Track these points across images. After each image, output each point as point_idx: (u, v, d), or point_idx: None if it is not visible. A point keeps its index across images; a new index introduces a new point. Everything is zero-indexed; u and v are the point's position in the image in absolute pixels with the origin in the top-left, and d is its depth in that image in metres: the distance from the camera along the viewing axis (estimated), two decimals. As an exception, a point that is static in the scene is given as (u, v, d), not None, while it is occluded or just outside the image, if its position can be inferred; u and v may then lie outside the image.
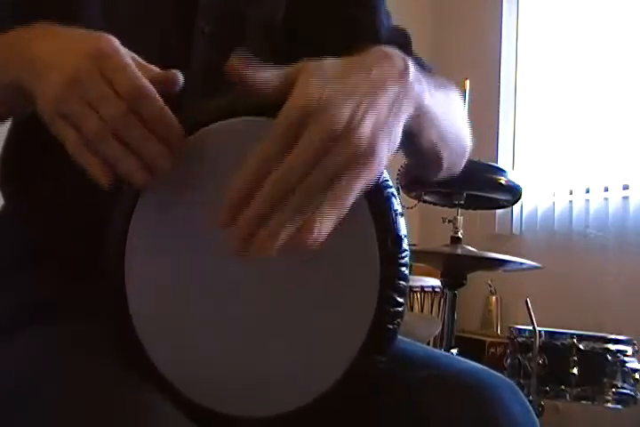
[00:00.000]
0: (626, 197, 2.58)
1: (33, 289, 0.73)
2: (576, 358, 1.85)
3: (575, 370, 1.84)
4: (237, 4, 0.80)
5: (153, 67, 0.59)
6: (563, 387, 1.85)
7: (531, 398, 1.81)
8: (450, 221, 2.00)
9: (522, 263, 1.95)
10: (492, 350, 2.54)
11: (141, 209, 0.59)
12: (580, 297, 2.62)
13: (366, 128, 0.53)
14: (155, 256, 0.59)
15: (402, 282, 0.57)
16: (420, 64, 0.72)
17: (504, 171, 2.03)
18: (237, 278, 0.58)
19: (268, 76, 0.56)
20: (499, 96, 3.16)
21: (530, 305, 1.83)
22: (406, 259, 0.57)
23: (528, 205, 2.98)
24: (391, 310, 0.56)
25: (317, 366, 0.57)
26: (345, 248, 0.57)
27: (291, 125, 0.52)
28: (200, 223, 0.58)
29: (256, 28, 0.81)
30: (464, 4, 3.53)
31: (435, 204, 2.11)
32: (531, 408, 0.68)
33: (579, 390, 1.85)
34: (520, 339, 1.96)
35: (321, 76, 0.54)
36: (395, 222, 0.57)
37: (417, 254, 1.87)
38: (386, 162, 0.55)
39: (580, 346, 1.86)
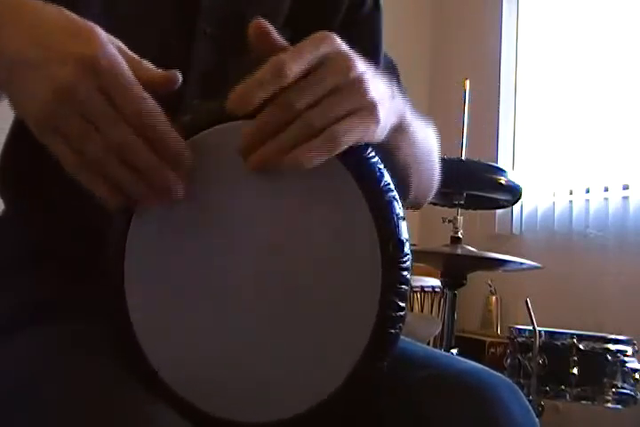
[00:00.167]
0: (626, 197, 2.58)
1: (33, 289, 0.73)
2: (576, 358, 1.85)
3: (575, 370, 1.84)
4: (239, 5, 0.80)
5: (145, 62, 0.55)
6: (563, 387, 1.85)
7: (531, 398, 1.80)
8: (450, 221, 2.00)
9: (522, 263, 1.95)
10: (492, 350, 2.54)
11: (142, 209, 0.59)
12: (580, 297, 2.62)
13: (370, 87, 0.56)
14: (155, 257, 0.59)
15: (403, 286, 0.56)
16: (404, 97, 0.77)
17: (504, 171, 2.03)
18: (239, 281, 0.58)
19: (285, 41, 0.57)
20: (499, 96, 3.16)
21: (530, 305, 1.83)
22: (408, 263, 0.57)
23: (528, 205, 2.98)
24: (393, 314, 0.56)
25: (319, 371, 0.57)
26: (346, 252, 0.57)
27: (307, 56, 0.53)
28: (201, 224, 0.58)
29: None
30: (464, 4, 3.53)
31: (435, 204, 2.11)
32: (530, 408, 0.68)
33: (579, 390, 1.85)
34: (520, 339, 1.96)
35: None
36: (397, 227, 0.56)
37: (417, 254, 1.86)
38: (381, 132, 0.57)
39: (580, 346, 1.86)
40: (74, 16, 0.55)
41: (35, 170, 0.77)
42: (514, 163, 3.13)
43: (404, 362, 0.68)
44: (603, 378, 1.84)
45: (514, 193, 2.03)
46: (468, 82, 2.10)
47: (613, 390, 1.84)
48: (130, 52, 0.55)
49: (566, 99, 2.89)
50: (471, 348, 2.45)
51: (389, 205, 0.56)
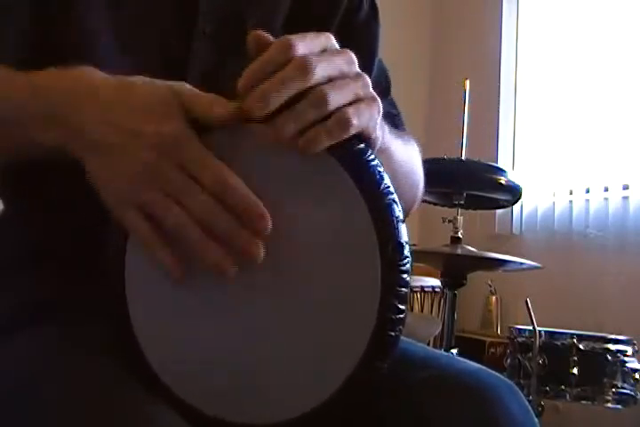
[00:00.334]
0: (626, 197, 2.58)
1: (33, 289, 0.73)
2: (576, 358, 1.85)
3: (575, 370, 1.84)
4: (238, 5, 0.80)
5: (210, 96, 0.57)
6: (563, 387, 1.85)
7: (531, 398, 1.80)
8: (450, 221, 2.00)
9: (522, 263, 1.95)
10: (492, 350, 2.54)
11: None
12: (580, 297, 2.62)
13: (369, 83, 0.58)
14: (155, 257, 0.59)
15: (403, 289, 0.56)
16: (393, 110, 0.83)
17: (504, 171, 2.03)
18: (239, 282, 0.58)
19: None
20: (499, 96, 3.16)
21: (530, 305, 1.83)
22: (407, 266, 0.57)
23: (528, 205, 2.99)
24: (393, 317, 0.56)
25: (318, 373, 0.57)
26: (346, 255, 0.56)
27: (312, 40, 0.55)
28: None
29: (256, 28, 0.81)
30: (464, 4, 3.53)
31: (435, 204, 2.11)
32: (530, 408, 0.68)
33: (579, 390, 1.85)
34: (520, 339, 1.96)
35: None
36: (396, 229, 0.56)
37: (417, 254, 1.87)
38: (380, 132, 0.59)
39: (580, 346, 1.86)
40: (137, 86, 0.57)
41: (35, 170, 0.78)
42: (514, 163, 3.13)
43: (405, 363, 0.68)
44: (603, 378, 1.84)
45: (514, 193, 2.03)
46: (467, 82, 2.10)
47: (613, 390, 1.84)
48: (189, 89, 0.58)
49: (566, 99, 2.89)
50: (471, 348, 2.45)
51: (389, 207, 0.56)
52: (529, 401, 0.69)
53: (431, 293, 2.72)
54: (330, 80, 0.55)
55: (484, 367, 0.71)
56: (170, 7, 0.78)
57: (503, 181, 1.97)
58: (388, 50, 0.89)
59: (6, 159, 0.70)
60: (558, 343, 1.88)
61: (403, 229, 0.57)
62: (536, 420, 0.67)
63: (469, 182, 1.94)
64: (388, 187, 0.57)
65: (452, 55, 3.52)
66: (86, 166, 0.57)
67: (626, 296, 2.47)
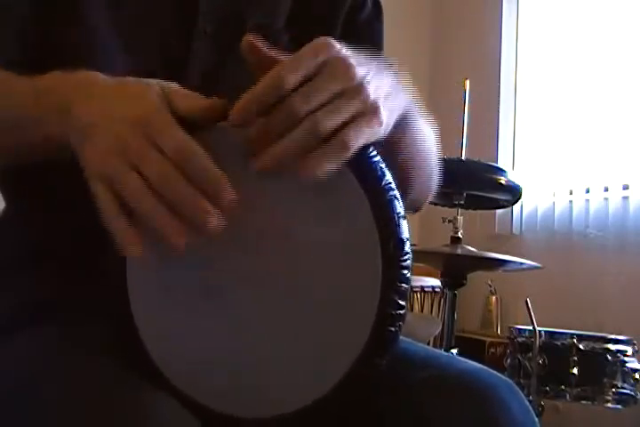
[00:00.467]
0: (626, 197, 2.58)
1: (33, 289, 0.73)
2: (576, 358, 1.85)
3: (575, 370, 1.84)
4: (238, 5, 0.80)
5: (197, 95, 0.57)
6: (563, 387, 1.85)
7: (531, 398, 1.81)
8: (450, 221, 2.00)
9: (522, 263, 1.95)
10: (492, 350, 2.54)
11: None
12: (580, 297, 2.62)
13: (372, 90, 0.56)
14: (157, 255, 0.59)
15: (403, 285, 0.57)
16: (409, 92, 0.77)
17: (504, 171, 2.03)
18: (239, 279, 0.58)
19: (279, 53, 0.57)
20: (499, 96, 3.16)
21: (530, 305, 1.83)
22: (408, 262, 0.57)
23: (528, 205, 2.99)
24: (393, 312, 0.56)
25: (318, 368, 0.57)
26: (347, 251, 0.57)
27: (305, 64, 0.54)
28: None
29: (257, 28, 0.81)
30: (464, 4, 3.53)
31: (435, 204, 2.11)
32: (530, 408, 0.68)
33: (579, 390, 1.85)
34: (520, 339, 1.96)
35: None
36: (397, 225, 0.56)
37: (417, 254, 1.86)
38: (381, 129, 0.57)
39: (580, 346, 1.86)
40: (131, 83, 0.60)
41: (35, 170, 0.78)
42: (514, 163, 3.13)
43: (405, 362, 0.68)
44: (603, 378, 1.84)
45: (514, 193, 2.03)
46: (467, 82, 2.10)
47: (613, 390, 1.84)
48: (178, 88, 0.59)
49: (566, 99, 2.89)
50: (471, 348, 2.45)
51: (390, 203, 0.56)
52: (529, 401, 0.69)
53: (431, 293, 2.72)
54: (326, 102, 0.54)
55: (484, 367, 0.71)
56: (170, 7, 0.78)
57: (503, 181, 1.97)
58: (388, 50, 0.89)
59: (5, 162, 0.70)
60: (558, 343, 1.88)
61: (404, 225, 0.57)
62: (536, 420, 0.67)
63: (469, 182, 1.94)
64: (390, 183, 0.57)
65: (451, 55, 3.52)
66: (77, 150, 0.58)
67: (626, 296, 2.47)
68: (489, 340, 2.61)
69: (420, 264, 2.20)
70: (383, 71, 0.60)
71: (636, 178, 2.54)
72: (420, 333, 2.22)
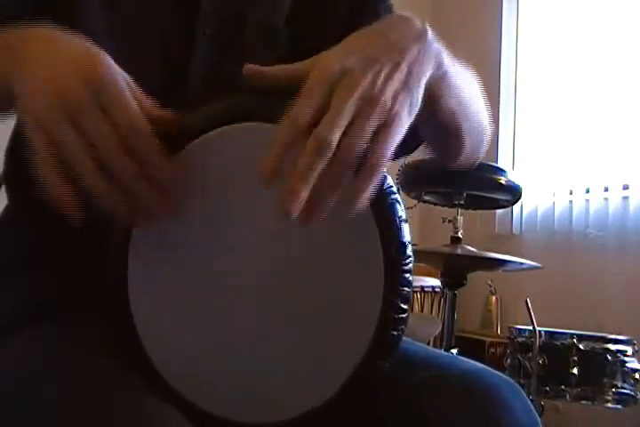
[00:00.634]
0: (626, 197, 2.58)
1: (33, 289, 0.73)
2: (576, 358, 1.85)
3: (575, 370, 1.84)
4: (238, 6, 0.80)
5: (145, 98, 0.57)
6: (563, 387, 1.85)
7: (531, 398, 1.80)
8: (450, 221, 2.00)
9: (522, 263, 1.95)
10: (492, 350, 2.54)
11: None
12: (580, 297, 2.62)
13: (388, 93, 0.54)
14: (157, 256, 0.59)
15: (405, 289, 0.56)
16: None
17: (504, 171, 2.02)
18: (240, 282, 0.58)
19: (282, 66, 0.57)
20: (499, 96, 3.16)
21: (530, 305, 1.83)
22: (410, 265, 0.57)
23: (528, 205, 2.98)
24: (395, 316, 0.56)
25: (320, 372, 0.57)
26: (349, 254, 0.56)
27: (316, 96, 0.53)
28: (204, 224, 0.58)
29: (257, 28, 0.81)
30: (464, 4, 3.53)
31: (435, 204, 2.11)
32: (532, 408, 0.67)
33: (579, 390, 1.85)
34: (520, 339, 1.96)
35: (339, 50, 0.56)
36: (399, 229, 0.56)
37: (417, 254, 1.86)
38: (407, 125, 0.56)
39: (580, 346, 1.86)
40: (92, 47, 0.58)
41: (35, 170, 0.77)
42: (514, 163, 3.13)
43: (406, 363, 0.68)
44: (603, 378, 1.84)
45: (514, 193, 2.03)
46: (468, 82, 2.09)
47: (613, 390, 1.84)
48: (129, 81, 0.57)
49: (566, 99, 2.89)
50: (471, 348, 2.45)
51: (392, 207, 0.56)
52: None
53: (431, 293, 2.72)
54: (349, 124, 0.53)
55: (486, 367, 0.71)
56: (170, 7, 0.78)
57: (503, 181, 1.97)
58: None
59: None
60: (558, 343, 1.88)
61: (405, 228, 0.57)
62: (539, 419, 0.67)
63: (469, 182, 1.94)
64: (391, 186, 0.57)
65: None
66: (16, 87, 0.57)
67: (626, 296, 2.47)
68: (489, 340, 2.61)
69: (420, 264, 2.19)
70: (405, 19, 0.59)
71: (636, 178, 2.54)
72: (420, 333, 2.22)
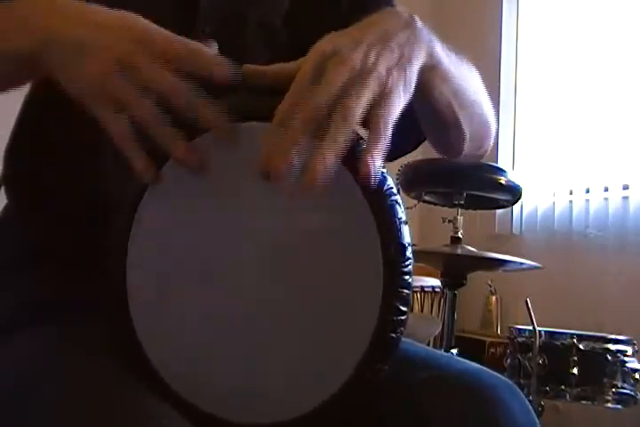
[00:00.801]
0: (626, 197, 2.58)
1: (33, 289, 0.73)
2: (576, 358, 1.85)
3: (575, 370, 1.84)
4: (238, 6, 0.80)
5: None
6: (563, 387, 1.85)
7: (531, 398, 1.80)
8: (450, 221, 2.00)
9: (522, 263, 1.95)
10: (492, 350, 2.54)
11: (144, 210, 0.59)
12: (580, 297, 2.62)
13: (381, 68, 0.55)
14: (157, 256, 0.59)
15: (405, 290, 0.56)
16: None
17: (504, 171, 2.03)
18: (240, 283, 0.58)
19: (281, 65, 0.58)
20: (499, 96, 3.16)
21: (530, 305, 1.83)
22: (410, 267, 0.56)
23: (528, 205, 2.98)
24: (394, 318, 0.56)
25: (319, 374, 0.57)
26: (348, 256, 0.56)
27: (309, 73, 0.54)
28: (204, 224, 0.58)
29: (256, 28, 0.81)
30: (464, 4, 3.53)
31: (435, 204, 2.11)
32: (531, 408, 0.68)
33: (579, 390, 1.85)
34: (520, 339, 1.96)
35: (331, 36, 0.58)
36: (399, 231, 0.56)
37: (417, 254, 1.86)
38: (403, 103, 0.56)
39: (580, 346, 1.86)
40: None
41: (35, 170, 0.77)
42: (514, 163, 3.13)
43: (405, 363, 0.68)
44: (603, 378, 1.84)
45: (514, 193, 2.03)
46: (468, 82, 2.09)
47: (613, 390, 1.84)
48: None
49: (566, 99, 2.89)
50: (471, 348, 2.45)
51: (392, 208, 0.56)
52: (529, 401, 0.69)
53: (431, 293, 2.72)
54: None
55: (484, 368, 0.71)
56: (170, 7, 0.78)
57: (503, 181, 1.97)
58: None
59: None
60: (558, 343, 1.88)
61: (405, 230, 0.56)
62: (537, 420, 0.67)
63: (469, 182, 1.94)
64: (391, 188, 0.57)
65: (451, 55, 3.51)
66: (56, 68, 0.57)
67: (626, 296, 2.47)
68: (489, 340, 2.61)
69: (420, 264, 2.19)
70: (396, 13, 0.61)
71: (636, 178, 2.54)
72: (420, 333, 2.22)
